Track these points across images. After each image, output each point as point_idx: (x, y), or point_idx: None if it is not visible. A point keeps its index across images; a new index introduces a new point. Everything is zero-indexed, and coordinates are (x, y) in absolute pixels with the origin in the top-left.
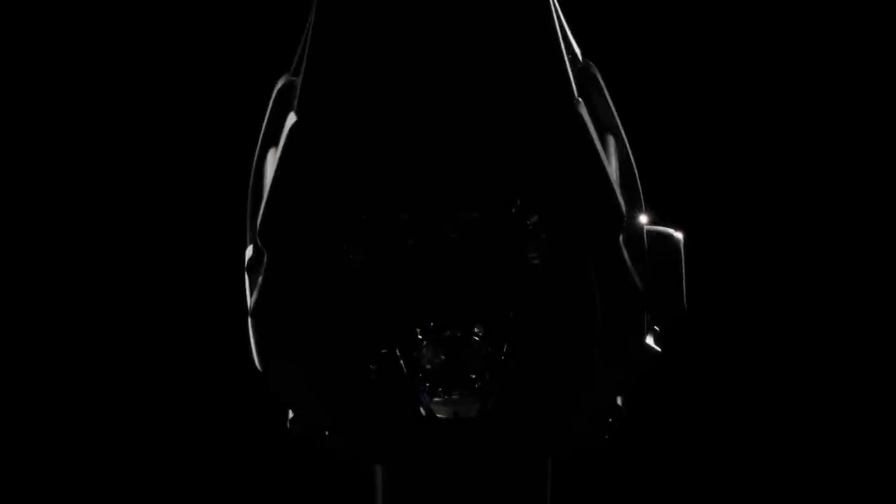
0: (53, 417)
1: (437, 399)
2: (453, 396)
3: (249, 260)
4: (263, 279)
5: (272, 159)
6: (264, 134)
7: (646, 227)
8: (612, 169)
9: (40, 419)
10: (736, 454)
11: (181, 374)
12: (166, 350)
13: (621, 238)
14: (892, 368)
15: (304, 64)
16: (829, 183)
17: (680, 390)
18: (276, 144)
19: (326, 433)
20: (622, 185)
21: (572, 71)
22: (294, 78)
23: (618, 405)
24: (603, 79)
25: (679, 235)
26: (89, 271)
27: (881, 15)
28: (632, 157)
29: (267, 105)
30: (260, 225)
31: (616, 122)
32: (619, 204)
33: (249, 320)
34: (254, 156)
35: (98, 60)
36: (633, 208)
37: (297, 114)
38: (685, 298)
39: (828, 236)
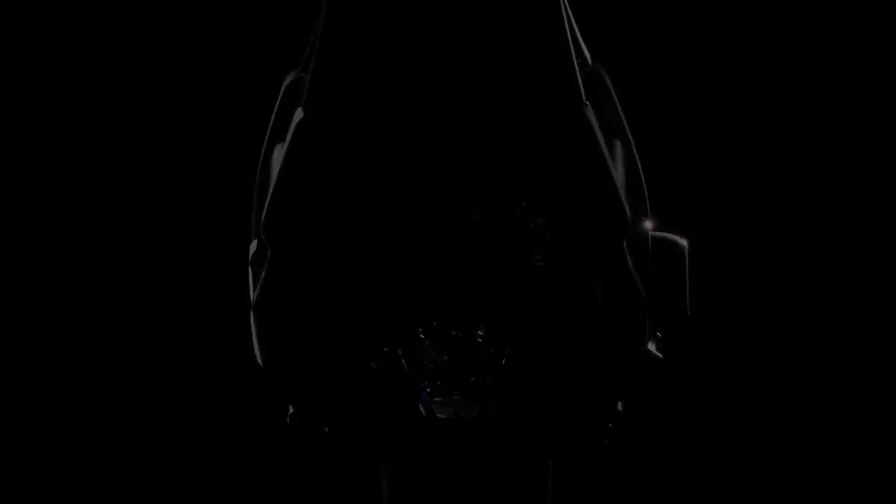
0: (51, 412)
1: (437, 399)
2: (454, 397)
3: (253, 255)
4: (266, 274)
5: (279, 155)
6: (272, 129)
7: (650, 233)
8: (618, 174)
9: (38, 414)
10: (736, 459)
11: (182, 367)
12: (168, 344)
13: (625, 243)
14: (894, 374)
15: (313, 61)
16: (836, 194)
17: (681, 396)
18: (283, 140)
19: (326, 430)
20: (628, 191)
21: (581, 74)
22: (303, 74)
23: (618, 410)
24: (612, 83)
25: (683, 242)
26: (92, 264)
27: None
28: (639, 162)
29: (275, 101)
30: (264, 220)
31: (624, 127)
32: (624, 209)
33: (252, 315)
34: (261, 151)
35: (105, 56)
36: (638, 214)
37: (305, 110)
38: (688, 305)
39: (833, 246)
